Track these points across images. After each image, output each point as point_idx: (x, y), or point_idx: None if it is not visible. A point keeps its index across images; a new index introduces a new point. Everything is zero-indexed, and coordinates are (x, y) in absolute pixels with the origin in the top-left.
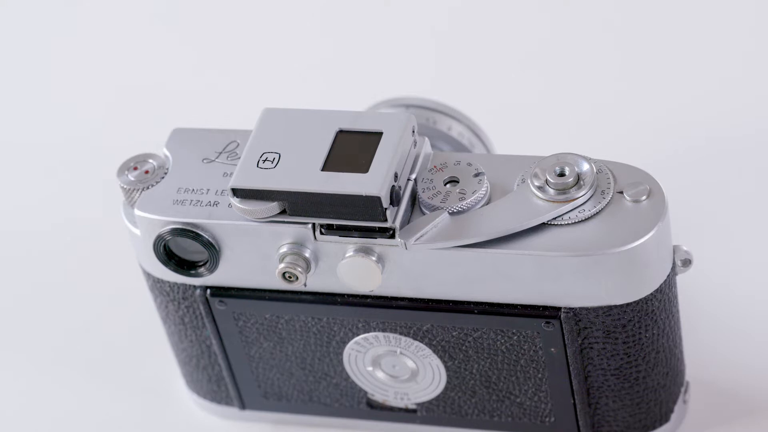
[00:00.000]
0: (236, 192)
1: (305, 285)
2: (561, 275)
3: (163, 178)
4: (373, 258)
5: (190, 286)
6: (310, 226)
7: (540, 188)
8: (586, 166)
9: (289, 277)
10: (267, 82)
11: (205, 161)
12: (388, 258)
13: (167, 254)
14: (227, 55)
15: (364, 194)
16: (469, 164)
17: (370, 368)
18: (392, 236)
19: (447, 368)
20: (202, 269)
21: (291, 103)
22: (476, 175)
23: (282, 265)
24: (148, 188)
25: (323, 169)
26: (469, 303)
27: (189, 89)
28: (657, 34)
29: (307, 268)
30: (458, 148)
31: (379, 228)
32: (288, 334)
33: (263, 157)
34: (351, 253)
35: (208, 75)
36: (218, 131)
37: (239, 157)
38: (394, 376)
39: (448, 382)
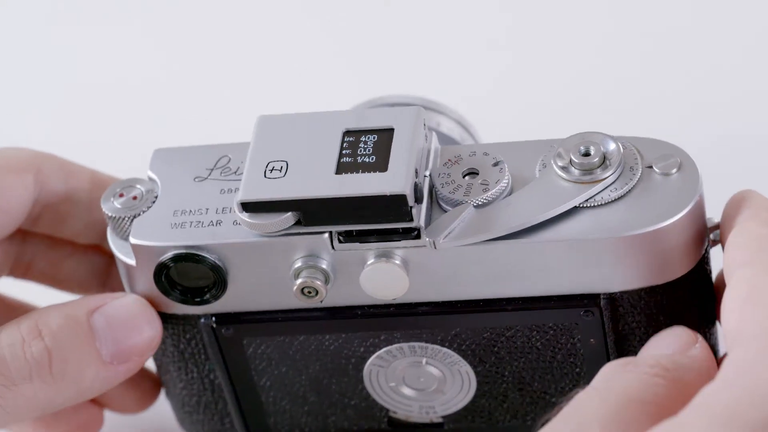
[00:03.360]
0: (246, 206)
1: (321, 302)
2: (600, 259)
3: (154, 202)
4: (397, 262)
5: (192, 315)
6: (326, 235)
7: (564, 168)
8: (612, 145)
9: (309, 292)
10: (240, 93)
11: (197, 180)
12: (413, 261)
13: (170, 283)
14: (195, 71)
15: (388, 193)
16: (486, 154)
17: (393, 383)
18: (417, 236)
19: (477, 374)
20: (208, 296)
21: (270, 111)
22: (495, 164)
23: (300, 281)
24: (139, 215)
25: (337, 172)
26: (501, 301)
27: (156, 106)
28: (652, 32)
29: (326, 281)
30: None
31: (403, 229)
32: (302, 357)
33: (269, 167)
34: (372, 260)
35: (180, 90)
36: (204, 147)
37: (234, 172)
38: (420, 389)
39: (477, 389)
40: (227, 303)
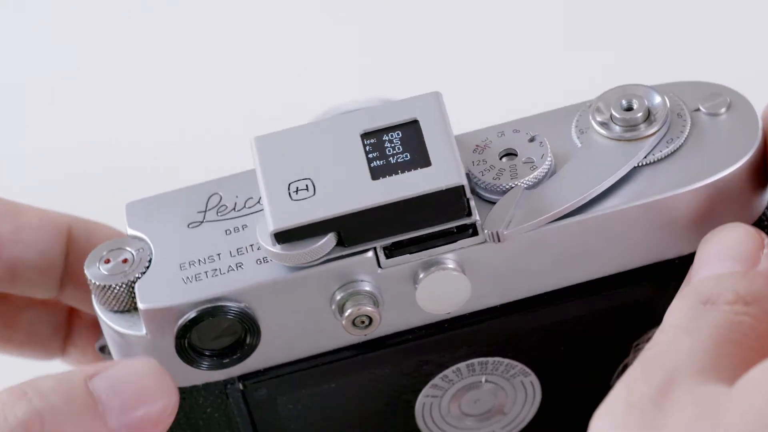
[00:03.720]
0: (280, 237)
1: (366, 335)
2: (675, 218)
3: (150, 261)
4: (454, 266)
5: (213, 383)
6: (370, 253)
7: (603, 125)
8: (657, 98)
9: (362, 322)
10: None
11: (192, 226)
12: (470, 262)
13: (194, 348)
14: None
15: (444, 187)
16: (516, 131)
17: (448, 415)
18: (474, 233)
19: (542, 382)
20: (239, 353)
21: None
22: (532, 139)
23: (349, 311)
24: (137, 279)
25: (374, 178)
26: (567, 290)
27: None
28: None
29: (376, 305)
30: None
31: (457, 228)
32: (345, 405)
33: (292, 188)
34: (425, 272)
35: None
36: (184, 190)
37: (233, 209)
38: (479, 414)
39: (542, 400)
40: (255, 359)
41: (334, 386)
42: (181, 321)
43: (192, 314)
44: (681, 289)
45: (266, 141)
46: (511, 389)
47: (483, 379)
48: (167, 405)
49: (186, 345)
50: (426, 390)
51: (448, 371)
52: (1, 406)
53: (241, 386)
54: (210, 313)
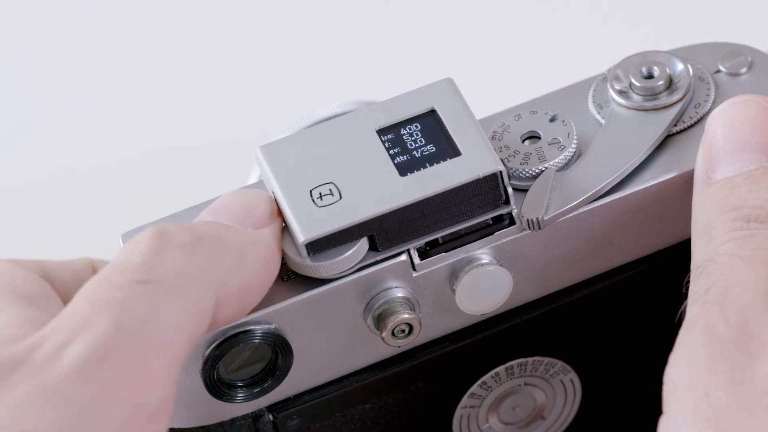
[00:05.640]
0: (312, 247)
1: (400, 347)
2: None
3: None
4: (492, 261)
5: (242, 417)
6: (404, 256)
7: (622, 93)
8: (678, 65)
9: (402, 331)
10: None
11: None
12: (507, 255)
13: (222, 380)
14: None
15: (482, 175)
16: (533, 112)
17: (487, 425)
18: (512, 222)
19: (582, 379)
20: (270, 381)
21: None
22: (552, 119)
23: (388, 321)
24: None
25: (402, 174)
26: (605, 275)
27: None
28: None
29: (414, 311)
30: None
31: (493, 220)
32: (383, 425)
33: (315, 195)
34: (462, 271)
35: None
36: (180, 214)
37: None
38: (518, 422)
39: (583, 400)
40: (284, 386)
41: (368, 407)
42: (207, 351)
43: (217, 344)
44: (698, 181)
45: (273, 149)
46: (550, 390)
47: (522, 383)
48: (270, 199)
49: (215, 377)
50: (464, 401)
51: (486, 377)
52: None
53: (271, 417)
54: (239, 339)
